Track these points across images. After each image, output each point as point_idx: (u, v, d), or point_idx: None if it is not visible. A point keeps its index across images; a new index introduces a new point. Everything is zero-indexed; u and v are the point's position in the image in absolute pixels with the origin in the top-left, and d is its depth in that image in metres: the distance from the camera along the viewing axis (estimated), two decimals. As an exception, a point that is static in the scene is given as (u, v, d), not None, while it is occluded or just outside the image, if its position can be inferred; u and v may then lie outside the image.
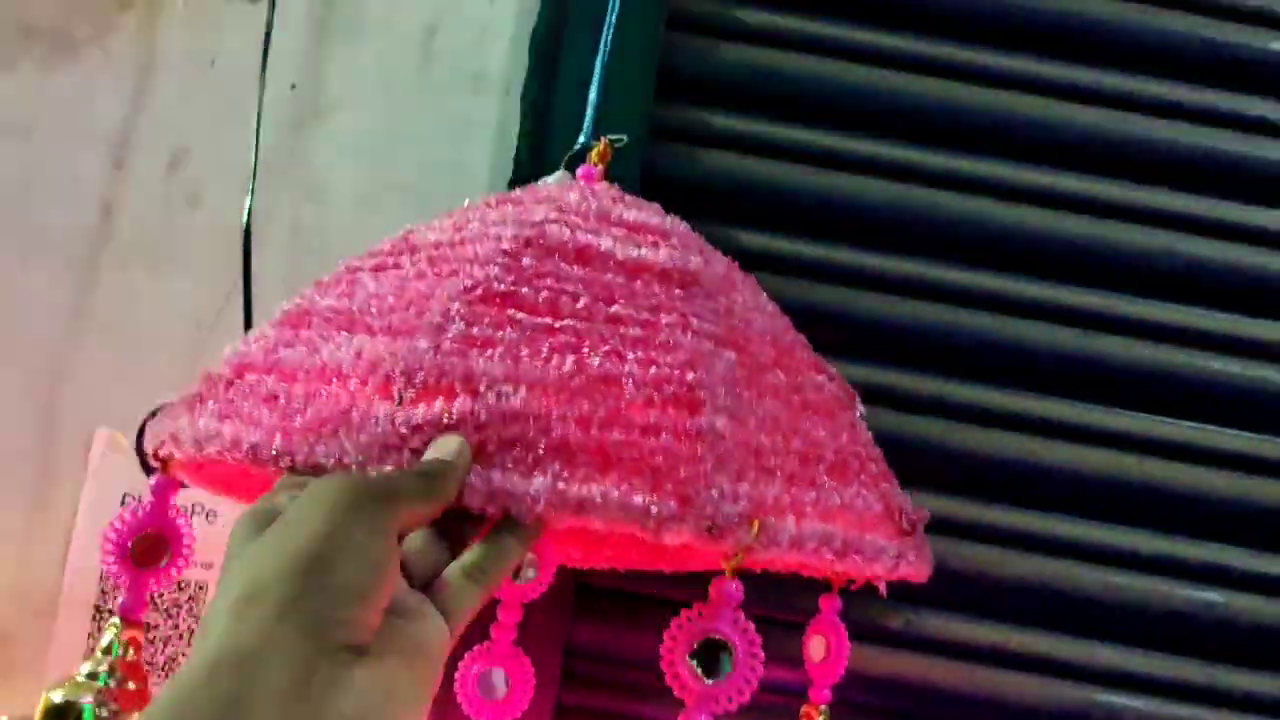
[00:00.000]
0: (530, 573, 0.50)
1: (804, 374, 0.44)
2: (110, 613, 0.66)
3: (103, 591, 0.67)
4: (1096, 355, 0.67)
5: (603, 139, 0.53)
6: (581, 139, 0.56)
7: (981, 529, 0.64)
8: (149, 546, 0.44)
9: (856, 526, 0.40)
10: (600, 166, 0.51)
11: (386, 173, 0.72)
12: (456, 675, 0.49)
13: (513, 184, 0.70)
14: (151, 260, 0.71)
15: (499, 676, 0.49)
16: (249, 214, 0.68)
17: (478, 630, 0.48)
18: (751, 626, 0.36)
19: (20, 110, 0.72)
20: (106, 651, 0.43)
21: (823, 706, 0.47)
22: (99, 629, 0.67)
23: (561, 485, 0.34)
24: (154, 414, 0.71)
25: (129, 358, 0.70)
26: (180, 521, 0.44)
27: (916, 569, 0.43)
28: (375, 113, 0.73)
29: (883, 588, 0.42)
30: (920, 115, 0.69)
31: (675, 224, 0.47)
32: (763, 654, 0.36)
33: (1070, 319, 0.67)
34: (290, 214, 0.71)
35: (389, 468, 0.35)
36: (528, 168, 0.69)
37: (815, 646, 0.47)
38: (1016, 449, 0.65)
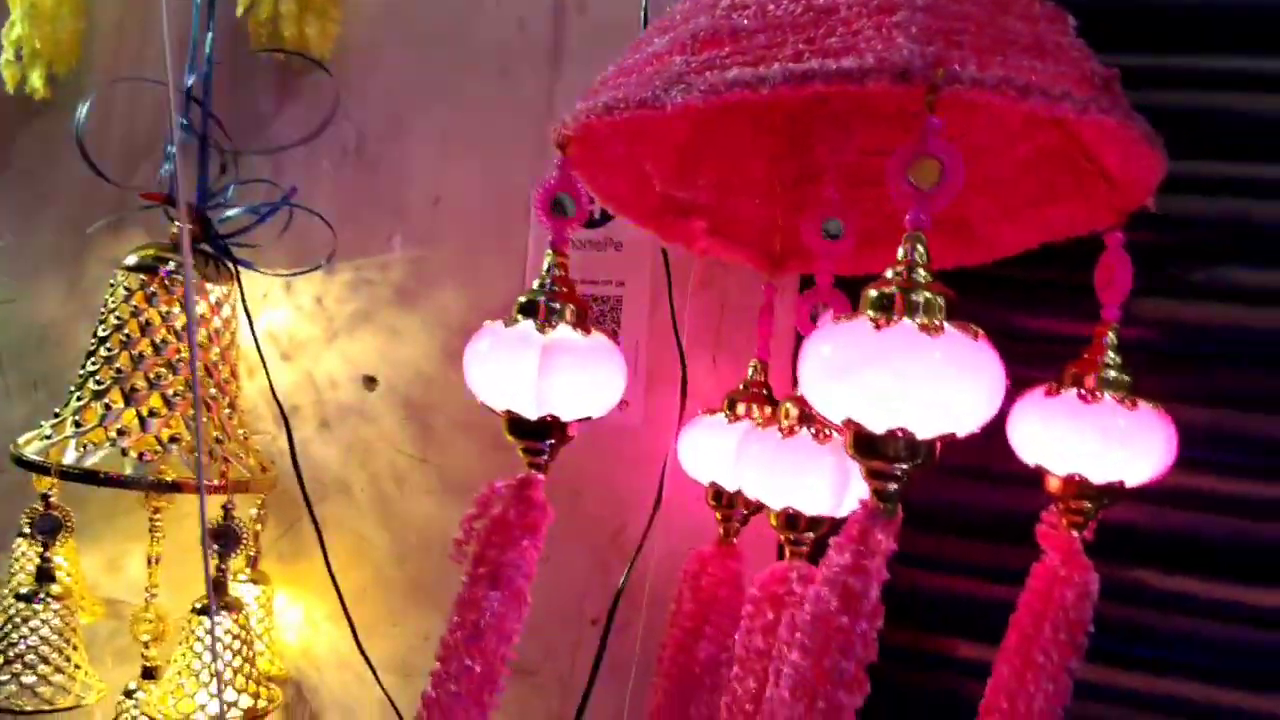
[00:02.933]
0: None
1: (1018, 3, 0.52)
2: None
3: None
4: None
5: None
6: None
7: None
8: (563, 206, 0.61)
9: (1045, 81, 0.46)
10: None
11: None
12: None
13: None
14: (553, 59, 0.95)
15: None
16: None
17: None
18: (955, 148, 0.45)
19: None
20: (547, 271, 0.63)
21: (1113, 323, 0.60)
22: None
23: (792, 65, 0.46)
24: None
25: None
26: (580, 187, 0.61)
27: (1109, 117, 0.48)
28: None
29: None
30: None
31: None
32: (964, 170, 0.45)
33: None
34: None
35: (679, 94, 0.49)
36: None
37: (1102, 278, 0.59)
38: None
